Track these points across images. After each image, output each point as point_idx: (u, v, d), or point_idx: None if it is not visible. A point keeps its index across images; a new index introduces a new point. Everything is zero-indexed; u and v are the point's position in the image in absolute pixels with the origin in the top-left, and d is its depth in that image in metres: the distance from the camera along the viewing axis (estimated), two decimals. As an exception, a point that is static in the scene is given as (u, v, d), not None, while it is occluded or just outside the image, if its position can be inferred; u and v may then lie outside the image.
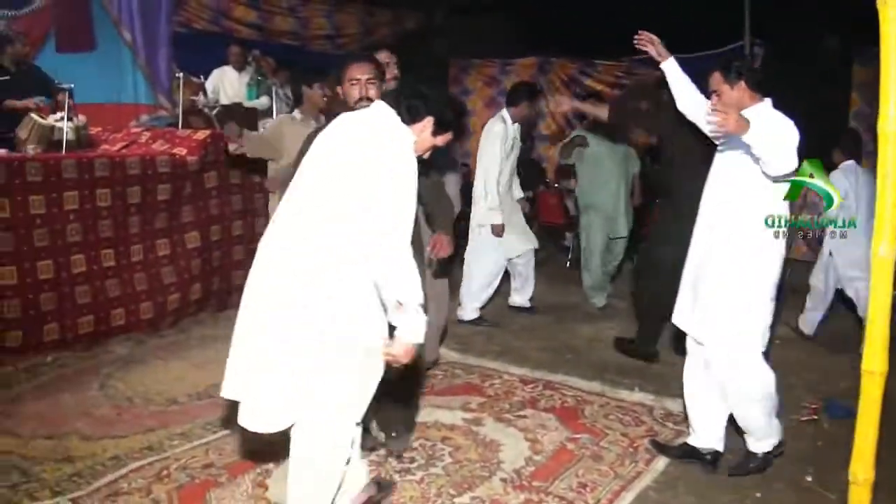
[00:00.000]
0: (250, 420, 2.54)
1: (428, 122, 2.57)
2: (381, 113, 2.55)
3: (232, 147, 4.59)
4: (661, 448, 3.71)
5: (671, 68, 3.79)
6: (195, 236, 5.49)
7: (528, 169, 8.12)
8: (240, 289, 5.66)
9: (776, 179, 3.15)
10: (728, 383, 3.37)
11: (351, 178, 2.40)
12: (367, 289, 2.45)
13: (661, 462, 3.57)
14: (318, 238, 2.41)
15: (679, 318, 3.56)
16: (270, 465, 3.38)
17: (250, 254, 5.70)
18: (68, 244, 4.70)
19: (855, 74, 7.54)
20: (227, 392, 2.58)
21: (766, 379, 3.37)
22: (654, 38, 3.80)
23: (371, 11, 10.15)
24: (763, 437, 3.46)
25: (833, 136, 7.25)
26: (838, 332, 5.78)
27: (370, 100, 3.00)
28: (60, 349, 4.70)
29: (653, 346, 5.06)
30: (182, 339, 5.24)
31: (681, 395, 4.27)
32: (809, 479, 3.44)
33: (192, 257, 5.47)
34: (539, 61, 10.47)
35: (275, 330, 2.44)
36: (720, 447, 3.55)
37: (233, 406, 3.95)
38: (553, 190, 8.81)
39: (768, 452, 3.48)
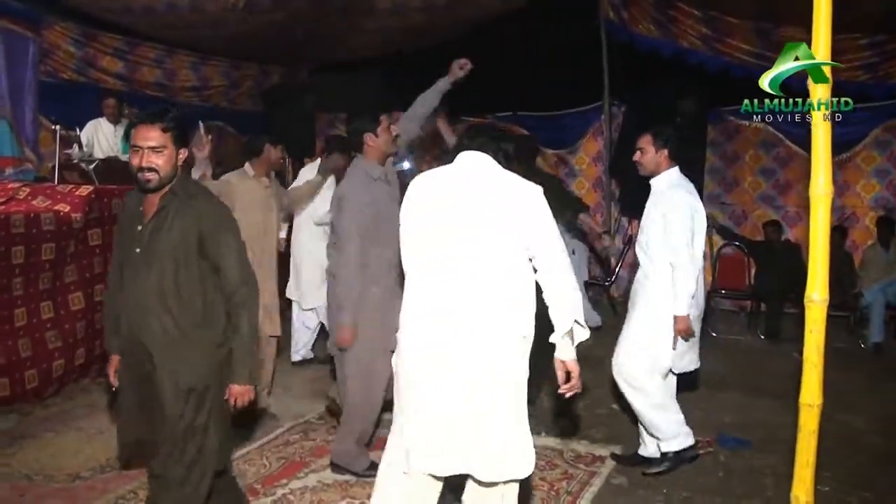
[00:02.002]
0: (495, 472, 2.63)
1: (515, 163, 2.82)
2: (485, 161, 2.73)
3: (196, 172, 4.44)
4: (619, 458, 4.26)
5: None
6: (79, 297, 5.18)
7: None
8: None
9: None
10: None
11: (518, 223, 2.61)
12: None
13: (584, 502, 3.74)
14: (504, 287, 2.61)
15: None
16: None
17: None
18: (-51, 311, 4.33)
19: (709, 133, 8.25)
20: (442, 468, 2.66)
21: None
22: None
23: (237, 65, 10.05)
24: (670, 438, 3.97)
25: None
26: (709, 371, 6.24)
27: (152, 171, 2.68)
28: (-62, 426, 4.30)
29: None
30: (69, 407, 4.92)
31: (585, 437, 4.59)
32: (719, 509, 3.71)
33: (77, 320, 5.15)
34: (407, 116, 10.67)
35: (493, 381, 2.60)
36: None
37: (139, 477, 3.79)
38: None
39: (678, 452, 3.97)
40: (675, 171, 4.00)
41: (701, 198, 8.29)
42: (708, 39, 7.93)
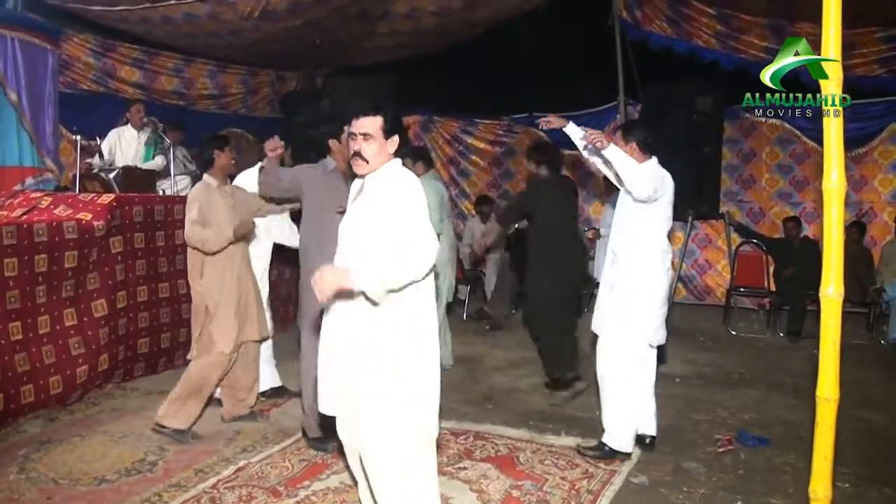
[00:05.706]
0: None
1: None
2: None
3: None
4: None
5: (574, 130, 4.39)
6: (102, 304, 5.25)
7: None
8: (146, 357, 5.54)
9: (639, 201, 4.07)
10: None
11: None
12: None
13: (605, 500, 3.75)
14: None
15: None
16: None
17: (155, 319, 5.60)
18: (-25, 318, 4.41)
19: (725, 131, 8.22)
20: None
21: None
22: (550, 117, 4.58)
23: (254, 72, 10.17)
24: None
25: (709, 186, 7.86)
26: (729, 369, 6.27)
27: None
28: (-34, 432, 4.37)
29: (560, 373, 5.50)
30: (93, 413, 4.97)
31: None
32: (739, 505, 3.70)
33: (100, 326, 5.21)
34: (422, 119, 10.75)
35: None
36: None
37: (164, 480, 3.84)
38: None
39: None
40: (653, 161, 4.19)
41: (717, 195, 8.31)
42: (722, 37, 7.93)
